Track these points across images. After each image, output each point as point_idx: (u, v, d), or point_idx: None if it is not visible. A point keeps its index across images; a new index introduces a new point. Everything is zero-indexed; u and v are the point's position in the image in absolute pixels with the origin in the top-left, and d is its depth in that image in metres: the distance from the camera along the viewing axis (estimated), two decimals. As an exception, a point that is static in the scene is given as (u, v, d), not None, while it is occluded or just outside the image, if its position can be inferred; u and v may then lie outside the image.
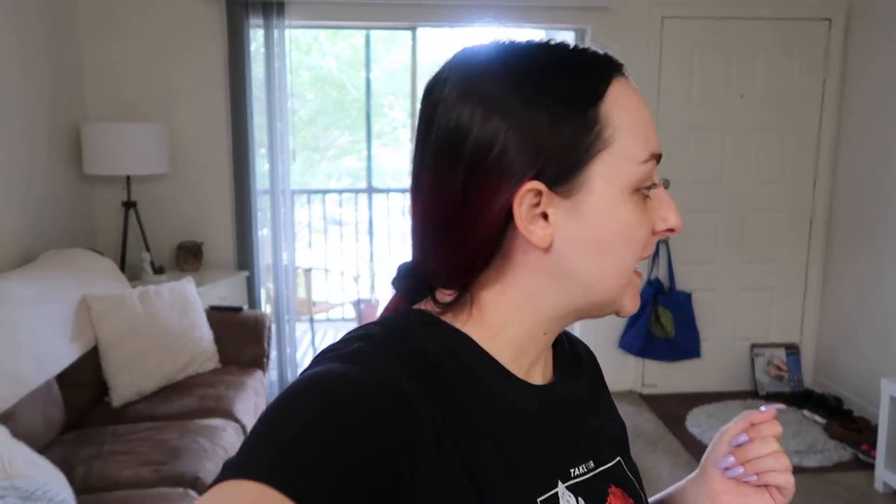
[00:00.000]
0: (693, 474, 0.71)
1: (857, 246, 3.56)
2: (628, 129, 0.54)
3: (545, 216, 0.54)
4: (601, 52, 0.56)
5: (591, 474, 0.59)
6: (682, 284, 3.76)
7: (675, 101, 3.65)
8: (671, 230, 0.57)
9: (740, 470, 0.64)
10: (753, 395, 3.79)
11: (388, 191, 5.45)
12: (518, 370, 0.58)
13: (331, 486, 0.42)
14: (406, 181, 4.00)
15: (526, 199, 0.53)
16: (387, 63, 6.23)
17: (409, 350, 0.53)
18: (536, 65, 0.54)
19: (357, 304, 4.94)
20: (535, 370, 0.61)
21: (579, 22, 3.64)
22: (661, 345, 3.73)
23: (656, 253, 3.74)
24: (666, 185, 3.59)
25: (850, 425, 3.29)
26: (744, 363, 3.87)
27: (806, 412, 3.50)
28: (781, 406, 0.67)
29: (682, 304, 3.74)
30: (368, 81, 4.92)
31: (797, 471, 2.94)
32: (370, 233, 5.03)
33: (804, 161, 3.75)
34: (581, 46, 0.56)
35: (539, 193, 0.53)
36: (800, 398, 3.67)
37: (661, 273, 3.75)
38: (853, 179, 3.59)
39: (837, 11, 3.62)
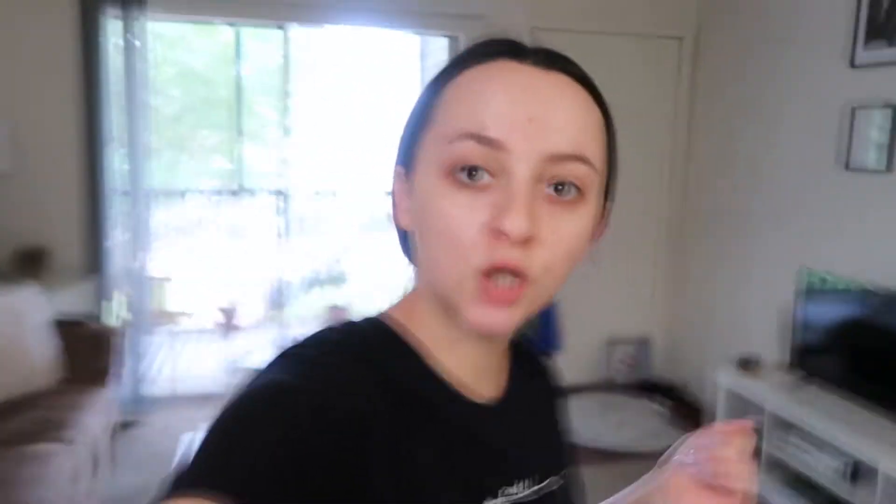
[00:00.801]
0: (649, 473, 0.69)
1: (699, 249, 3.89)
2: (451, 106, 0.52)
3: None
4: (498, 38, 0.56)
5: (528, 491, 0.58)
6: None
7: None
8: (503, 233, 0.48)
9: (701, 466, 0.62)
10: (607, 387, 4.02)
11: (258, 192, 5.29)
12: (463, 387, 0.57)
13: (282, 498, 0.41)
14: (278, 183, 3.91)
15: (397, 180, 0.58)
16: (259, 61, 6.03)
17: (365, 364, 0.52)
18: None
19: (223, 311, 4.76)
20: (484, 387, 0.59)
21: (452, 29, 3.70)
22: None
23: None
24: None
25: (683, 412, 3.59)
26: (600, 356, 4.10)
27: (652, 400, 3.79)
28: (759, 418, 0.64)
29: (545, 302, 3.90)
30: (239, 79, 4.74)
31: (642, 456, 3.16)
32: (238, 236, 4.86)
33: (659, 172, 4.03)
34: (492, 37, 0.56)
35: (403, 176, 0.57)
36: (647, 388, 3.96)
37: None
38: (700, 189, 3.90)
39: (688, 30, 3.91)
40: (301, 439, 0.44)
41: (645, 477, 0.69)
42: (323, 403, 0.47)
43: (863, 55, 2.82)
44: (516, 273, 0.49)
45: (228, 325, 4.77)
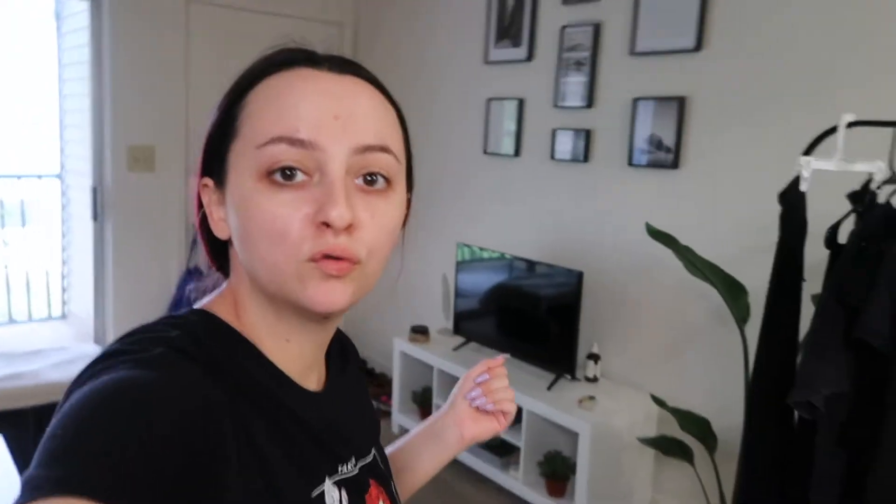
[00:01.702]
0: (440, 411, 0.89)
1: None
2: (258, 115, 0.55)
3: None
4: (291, 48, 0.58)
5: (355, 471, 0.63)
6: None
7: (206, 89, 3.60)
8: (326, 224, 0.52)
9: (483, 399, 0.85)
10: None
11: None
12: (297, 377, 0.60)
13: (150, 498, 0.41)
14: None
15: (206, 192, 0.59)
16: None
17: (207, 358, 0.53)
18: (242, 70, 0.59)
19: None
20: (311, 376, 0.63)
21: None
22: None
23: (194, 240, 3.67)
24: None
25: (373, 382, 3.81)
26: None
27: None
28: (507, 355, 0.90)
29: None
30: None
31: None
32: None
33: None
34: (287, 45, 0.59)
35: (213, 188, 0.59)
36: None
37: (203, 260, 3.70)
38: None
39: (347, 17, 4.05)
40: (163, 435, 0.44)
41: (436, 414, 0.89)
42: (178, 398, 0.47)
43: (495, 53, 3.25)
44: (345, 258, 0.53)
45: None
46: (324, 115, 0.53)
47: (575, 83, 2.90)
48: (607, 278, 2.83)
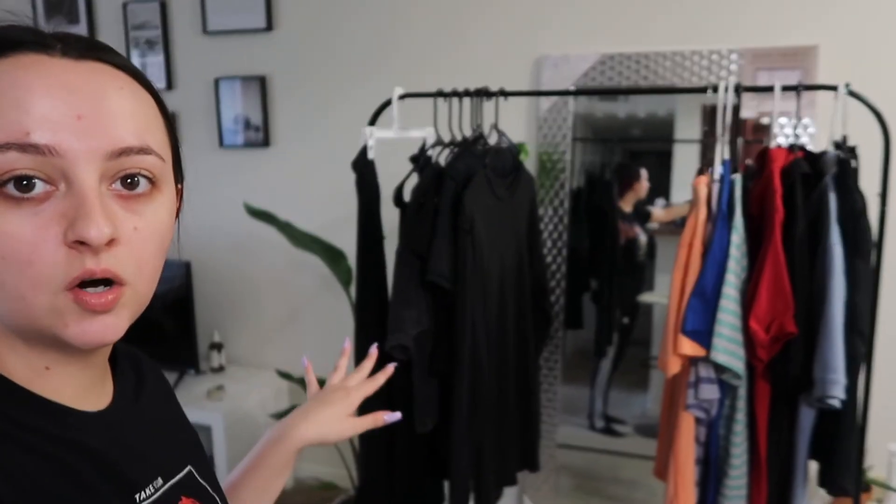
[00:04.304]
0: (293, 412, 0.86)
1: None
2: None
3: None
4: (11, 26, 0.47)
5: (159, 492, 0.56)
6: None
7: None
8: (81, 242, 0.44)
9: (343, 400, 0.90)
10: None
11: None
12: (70, 400, 0.52)
13: None
14: None
15: None
16: None
17: None
18: None
19: None
20: (90, 397, 0.54)
21: None
22: None
23: None
24: None
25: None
26: None
27: None
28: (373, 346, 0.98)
29: None
30: None
31: None
32: None
33: None
34: (5, 21, 0.48)
35: None
36: None
37: None
38: None
39: None
40: None
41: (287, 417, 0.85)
42: None
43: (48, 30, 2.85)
44: (109, 280, 0.46)
45: None
46: (62, 114, 0.44)
47: (151, 63, 2.72)
48: (218, 264, 2.77)
